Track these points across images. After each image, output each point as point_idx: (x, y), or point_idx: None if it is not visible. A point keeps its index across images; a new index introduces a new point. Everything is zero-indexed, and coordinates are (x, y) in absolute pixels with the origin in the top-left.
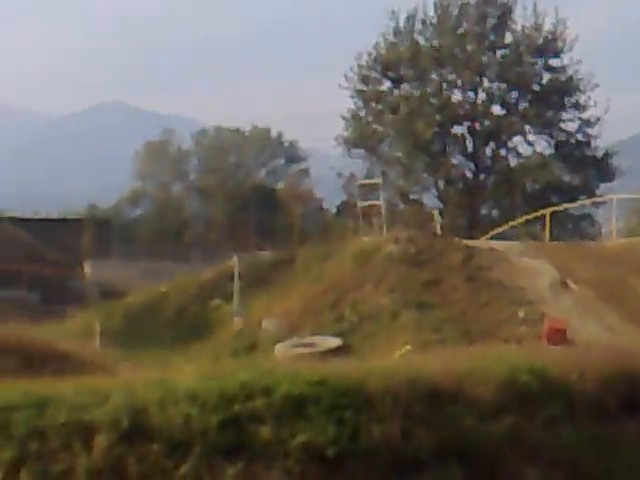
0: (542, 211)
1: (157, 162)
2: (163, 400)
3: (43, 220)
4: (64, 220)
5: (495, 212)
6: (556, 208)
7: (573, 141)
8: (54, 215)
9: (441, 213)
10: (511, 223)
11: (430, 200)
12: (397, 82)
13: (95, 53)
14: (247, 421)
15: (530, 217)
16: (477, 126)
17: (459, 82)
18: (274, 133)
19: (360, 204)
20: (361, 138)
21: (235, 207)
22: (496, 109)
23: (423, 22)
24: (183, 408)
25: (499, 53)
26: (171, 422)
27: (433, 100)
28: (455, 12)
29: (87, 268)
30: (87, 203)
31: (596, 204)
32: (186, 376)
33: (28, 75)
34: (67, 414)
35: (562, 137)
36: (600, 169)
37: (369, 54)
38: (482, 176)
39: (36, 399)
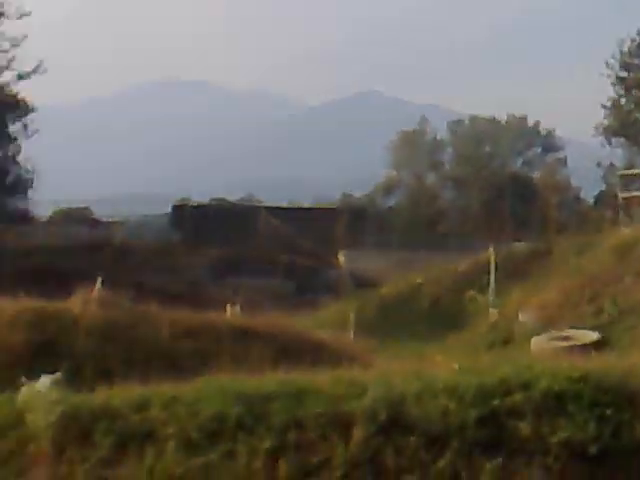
0: None
1: (412, 152)
2: (421, 393)
3: (298, 209)
4: (318, 209)
5: None
6: None
7: None
8: (308, 204)
9: None
10: None
11: None
12: None
13: (354, 43)
14: (506, 416)
15: None
16: None
17: None
18: (530, 122)
19: (621, 195)
20: (622, 127)
21: (490, 197)
22: None
23: None
24: (441, 402)
25: None
26: (429, 415)
27: None
28: None
29: (341, 258)
30: (340, 191)
31: None
32: (444, 369)
33: (288, 64)
34: (325, 405)
35: None
36: None
37: (632, 41)
38: None
39: (294, 389)
